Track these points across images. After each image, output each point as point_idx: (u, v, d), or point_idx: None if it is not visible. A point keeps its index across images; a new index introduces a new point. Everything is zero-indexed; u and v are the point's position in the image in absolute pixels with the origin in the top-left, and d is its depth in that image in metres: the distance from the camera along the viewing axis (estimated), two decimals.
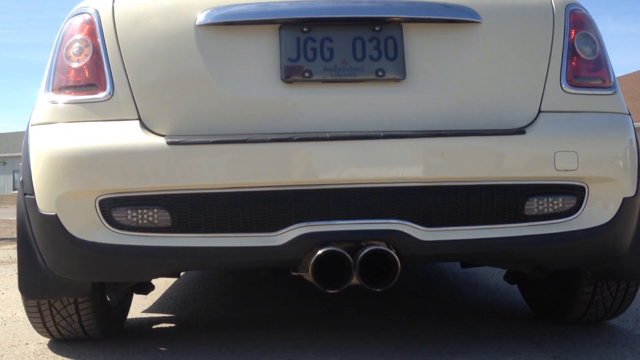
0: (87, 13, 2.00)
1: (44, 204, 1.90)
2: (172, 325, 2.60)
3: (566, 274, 2.30)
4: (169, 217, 1.85)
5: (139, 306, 2.92)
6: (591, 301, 2.29)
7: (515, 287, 2.75)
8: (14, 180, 43.52)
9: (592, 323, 2.40)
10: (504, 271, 2.58)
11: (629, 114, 2.11)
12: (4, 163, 43.73)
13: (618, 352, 2.05)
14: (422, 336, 2.24)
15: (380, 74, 1.94)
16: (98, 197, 1.86)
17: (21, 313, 2.81)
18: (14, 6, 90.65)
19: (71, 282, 2.00)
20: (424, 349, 2.08)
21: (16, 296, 3.26)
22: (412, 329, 2.36)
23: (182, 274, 2.69)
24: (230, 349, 2.15)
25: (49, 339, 2.29)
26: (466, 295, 3.17)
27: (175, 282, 3.56)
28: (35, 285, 2.03)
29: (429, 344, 2.14)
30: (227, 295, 3.33)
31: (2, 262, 4.97)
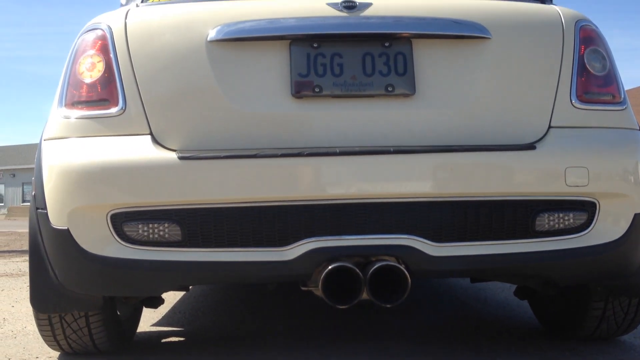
0: (99, 29, 2.01)
1: (56, 218, 1.90)
2: (181, 339, 2.62)
3: (577, 289, 2.27)
4: (179, 232, 1.84)
5: (148, 320, 2.91)
6: (602, 317, 2.25)
7: (526, 302, 2.73)
8: (23, 192, 43.75)
9: (603, 339, 2.37)
10: (513, 286, 2.55)
11: (639, 129, 2.09)
12: (14, 175, 43.98)
13: None
14: (432, 352, 2.25)
15: (389, 89, 1.92)
16: (110, 211, 1.85)
17: (31, 326, 2.81)
18: (25, 19, 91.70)
19: (82, 296, 1.99)
20: None
21: (26, 309, 3.26)
22: (422, 345, 2.35)
23: (190, 287, 2.80)
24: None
25: (59, 353, 2.30)
26: (476, 311, 3.16)
27: (184, 295, 3.56)
28: (46, 298, 2.02)
29: None
30: (235, 309, 3.36)
31: (12, 274, 4.98)
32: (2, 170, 44.60)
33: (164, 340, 2.57)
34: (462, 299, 3.49)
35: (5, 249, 8.04)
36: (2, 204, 42.52)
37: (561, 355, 2.18)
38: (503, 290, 3.58)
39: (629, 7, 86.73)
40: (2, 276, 4.83)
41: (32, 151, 49.78)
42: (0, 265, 5.68)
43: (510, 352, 2.21)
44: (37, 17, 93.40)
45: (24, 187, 43.73)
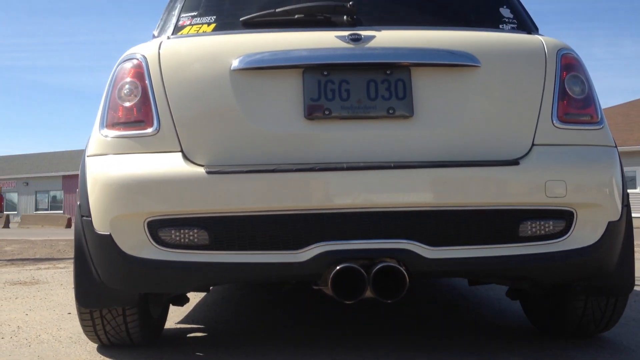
0: (136, 59, 2.27)
1: (100, 225, 2.16)
2: (203, 334, 2.89)
3: (560, 290, 2.47)
4: (207, 237, 2.08)
5: (173, 318, 3.19)
6: (583, 315, 2.47)
7: (518, 302, 2.97)
8: (36, 200, 44.03)
9: (587, 336, 2.58)
10: (506, 288, 2.78)
11: (616, 147, 2.33)
12: (27, 184, 44.27)
13: None
14: (432, 347, 2.40)
15: (391, 111, 2.16)
16: (146, 219, 2.10)
17: (46, 335, 2.81)
18: (38, 30, 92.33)
19: (121, 293, 2.26)
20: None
21: (40, 317, 3.27)
22: (424, 342, 2.53)
23: (210, 289, 2.98)
24: (255, 352, 2.46)
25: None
26: (473, 311, 3.42)
27: (205, 297, 3.90)
28: (89, 295, 2.30)
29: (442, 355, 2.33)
30: (249, 310, 3.58)
31: (26, 282, 4.99)
32: (15, 178, 44.89)
33: (188, 335, 2.86)
34: (461, 301, 3.79)
35: (19, 257, 8.07)
36: (16, 212, 42.77)
37: (546, 350, 2.42)
38: (496, 293, 3.87)
39: None
40: (15, 284, 4.85)
41: (44, 160, 50.27)
42: (14, 273, 5.71)
43: (502, 348, 2.46)
44: (50, 27, 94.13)
45: (37, 195, 44.02)
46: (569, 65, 2.30)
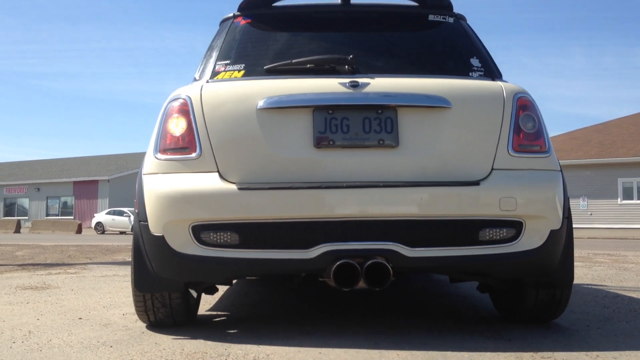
0: (182, 99, 2.87)
1: (154, 228, 2.75)
2: (226, 319, 3.57)
3: (517, 285, 3.03)
4: (237, 238, 2.68)
5: (203, 307, 3.87)
6: (535, 305, 3.04)
7: (487, 295, 3.69)
8: (47, 206, 44.28)
9: (541, 322, 3.15)
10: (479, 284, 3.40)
11: (560, 170, 2.89)
12: (38, 189, 44.54)
13: (562, 344, 2.68)
14: (420, 334, 2.67)
15: (381, 142, 2.75)
16: (191, 224, 2.70)
17: (57, 340, 2.82)
18: (49, 36, 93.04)
19: (169, 281, 2.86)
20: (417, 338, 2.58)
21: (51, 322, 3.28)
22: (412, 329, 2.78)
23: (234, 282, 3.74)
24: (276, 330, 3.10)
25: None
26: (452, 303, 4.16)
27: (227, 290, 4.68)
28: (144, 282, 2.89)
29: (423, 336, 2.74)
30: (266, 297, 3.96)
31: (37, 287, 5.01)
32: (26, 184, 45.19)
33: (217, 320, 3.48)
34: (444, 295, 4.56)
35: (30, 262, 8.12)
36: (27, 218, 43.04)
37: (511, 333, 3.04)
38: (472, 289, 4.56)
39: None
40: (27, 289, 4.87)
41: (55, 166, 50.59)
42: (25, 278, 5.74)
43: (475, 330, 3.08)
44: (61, 34, 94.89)
45: (48, 201, 44.27)
46: (523, 106, 2.87)
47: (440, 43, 3.30)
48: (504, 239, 2.71)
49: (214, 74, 3.06)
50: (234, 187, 2.69)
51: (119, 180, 41.75)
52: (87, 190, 42.37)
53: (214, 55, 3.15)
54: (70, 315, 3.54)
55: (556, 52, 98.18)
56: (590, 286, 4.98)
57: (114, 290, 4.75)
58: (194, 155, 2.78)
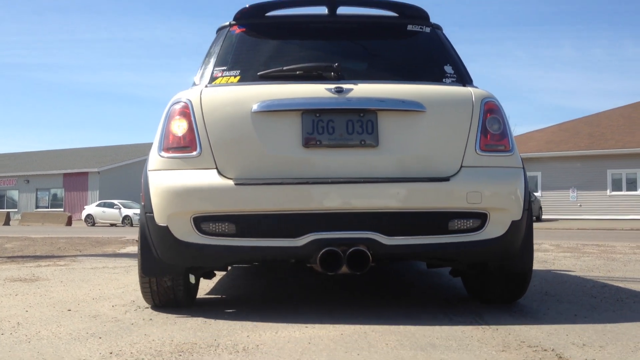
0: (183, 102, 3.14)
1: (159, 219, 3.05)
2: (222, 300, 4.04)
3: (484, 269, 3.35)
4: (234, 228, 2.98)
5: (201, 291, 4.19)
6: (500, 286, 3.39)
7: (459, 278, 4.12)
8: (37, 198, 44.04)
9: (506, 302, 3.48)
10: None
11: (523, 167, 3.19)
12: (27, 181, 44.27)
13: (524, 319, 2.96)
14: (399, 313, 2.82)
15: (362, 142, 3.04)
16: (192, 215, 2.99)
17: (45, 331, 2.81)
18: (38, 27, 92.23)
19: (172, 266, 3.16)
20: (404, 315, 2.76)
21: (40, 314, 3.27)
22: (393, 308, 2.97)
23: (229, 269, 4.22)
24: (267, 309, 3.51)
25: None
26: (430, 285, 4.76)
27: (223, 276, 5.02)
28: (150, 267, 3.19)
29: (411, 312, 2.90)
30: (257, 282, 4.19)
31: (26, 279, 4.99)
32: (16, 176, 44.90)
33: (216, 301, 3.94)
34: (423, 277, 5.17)
35: (19, 254, 8.08)
36: (16, 210, 42.79)
37: (482, 311, 3.44)
38: (445, 274, 5.06)
39: None
40: (15, 281, 4.85)
41: (45, 157, 50.27)
42: (14, 270, 5.71)
43: (449, 307, 3.55)
44: (50, 25, 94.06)
45: (38, 193, 44.03)
46: (490, 110, 3.16)
47: (417, 51, 3.61)
48: (471, 228, 3.04)
49: (212, 79, 3.34)
50: (231, 182, 2.98)
51: (109, 172, 41.57)
52: (77, 182, 42.15)
53: (212, 61, 3.43)
54: (59, 307, 3.54)
55: (546, 44, 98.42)
56: (578, 276, 5.02)
57: (104, 282, 4.74)
58: (194, 153, 3.06)
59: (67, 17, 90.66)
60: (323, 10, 3.60)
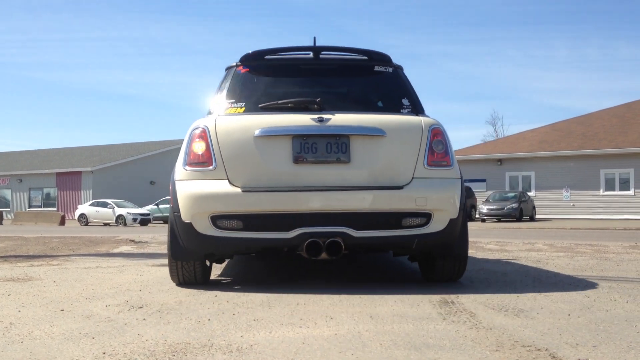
0: (201, 128, 4.09)
1: (185, 217, 3.99)
2: (230, 281, 4.99)
3: (431, 257, 4.34)
4: (241, 224, 3.92)
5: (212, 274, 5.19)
6: (443, 270, 4.37)
7: (416, 263, 5.34)
8: (29, 197, 43.86)
9: (449, 281, 4.46)
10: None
11: (460, 178, 4.15)
12: (20, 180, 44.08)
13: (518, 318, 2.91)
14: (365, 284, 3.49)
15: (338, 159, 3.99)
16: (209, 214, 3.93)
17: (38, 331, 2.80)
18: (31, 26, 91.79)
19: (194, 253, 4.14)
20: (360, 288, 3.46)
21: (32, 314, 3.26)
22: (365, 284, 3.72)
23: (234, 257, 5.11)
24: (267, 284, 4.58)
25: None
26: (395, 269, 5.87)
27: (228, 262, 6.16)
28: (177, 254, 4.17)
29: (371, 287, 4.01)
30: (258, 266, 4.80)
31: (18, 279, 4.97)
32: (9, 175, 44.69)
33: (225, 281, 4.90)
34: (389, 263, 6.33)
35: (12, 253, 8.04)
36: (9, 209, 42.60)
37: (430, 286, 4.40)
38: (405, 261, 6.27)
39: (636, 18, 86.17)
40: (8, 281, 4.82)
41: (38, 157, 50.03)
42: (6, 270, 5.68)
43: (406, 286, 4.48)
44: (42, 23, 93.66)
45: (31, 192, 43.84)
46: (435, 134, 4.11)
47: (381, 87, 4.60)
48: (419, 224, 3.99)
49: (224, 109, 4.29)
50: (239, 190, 3.93)
51: (102, 171, 41.44)
52: (70, 181, 42.00)
53: (224, 95, 4.39)
54: (52, 307, 3.52)
55: (539, 45, 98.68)
56: (571, 276, 5.04)
57: (97, 282, 4.72)
58: (211, 167, 4.00)
59: (58, 16, 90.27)
60: (309, 54, 4.58)
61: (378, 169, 3.98)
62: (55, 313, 3.30)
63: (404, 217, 3.95)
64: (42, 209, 41.27)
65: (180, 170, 4.06)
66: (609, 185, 30.07)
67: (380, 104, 4.50)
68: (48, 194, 43.41)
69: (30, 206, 43.09)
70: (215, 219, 3.91)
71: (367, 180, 3.96)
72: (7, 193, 45.11)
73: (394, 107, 4.36)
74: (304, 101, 4.20)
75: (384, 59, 4.58)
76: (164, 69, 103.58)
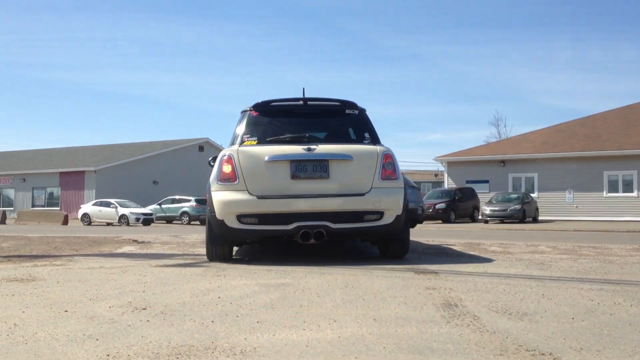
0: (228, 154, 6.10)
1: (218, 216, 6.01)
2: (247, 258, 6.74)
3: (384, 241, 6.53)
4: (256, 220, 5.99)
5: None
6: (393, 250, 6.53)
7: (376, 247, 7.20)
8: (33, 197, 43.91)
9: (398, 259, 6.43)
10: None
11: (404, 187, 6.25)
12: (24, 180, 44.14)
13: (522, 322, 2.77)
14: (339, 260, 6.14)
15: (321, 176, 6.06)
16: (235, 214, 5.98)
17: (42, 333, 2.80)
18: (34, 26, 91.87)
19: (224, 240, 6.19)
20: (337, 263, 5.54)
21: (36, 315, 3.26)
22: (340, 260, 6.13)
23: (246, 242, 7.27)
24: (274, 260, 6.55)
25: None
26: (361, 250, 8.10)
27: (243, 247, 8.29)
28: (213, 240, 6.25)
29: (343, 261, 6.14)
30: (266, 250, 6.14)
31: (22, 279, 4.97)
32: (12, 175, 44.75)
33: (241, 259, 6.84)
34: (357, 247, 8.72)
35: (15, 253, 8.05)
36: (12, 209, 42.67)
37: (383, 261, 6.67)
38: (369, 246, 8.37)
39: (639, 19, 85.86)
40: (12, 281, 4.83)
41: (42, 156, 50.06)
42: (10, 270, 5.69)
43: (369, 262, 6.46)
44: (45, 24, 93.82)
45: (34, 191, 43.90)
46: (386, 157, 6.12)
47: (350, 125, 6.75)
48: (375, 219, 6.03)
49: (242, 141, 6.35)
50: (255, 197, 5.96)
51: (105, 171, 41.47)
52: (73, 181, 42.04)
53: (242, 132, 6.46)
54: (56, 307, 3.52)
55: (543, 46, 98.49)
56: (575, 279, 5.03)
57: (100, 283, 4.72)
58: (235, 182, 6.01)
59: (62, 16, 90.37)
60: (300, 102, 6.72)
61: (348, 182, 6.05)
62: (59, 314, 3.31)
63: (365, 214, 6.02)
64: (45, 208, 41.30)
65: (214, 184, 6.09)
66: (612, 187, 30.00)
67: (349, 137, 6.62)
68: (51, 194, 43.45)
69: (33, 205, 43.14)
70: (239, 217, 5.96)
71: (340, 190, 6.03)
72: (11, 192, 45.16)
73: (358, 139, 6.50)
74: (297, 136, 6.39)
75: (352, 105, 6.71)
76: (167, 69, 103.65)
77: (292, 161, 5.96)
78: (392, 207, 5.98)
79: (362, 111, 6.62)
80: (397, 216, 6.00)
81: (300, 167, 5.96)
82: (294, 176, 5.95)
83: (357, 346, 2.54)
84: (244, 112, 6.59)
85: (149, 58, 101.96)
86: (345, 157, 5.99)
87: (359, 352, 2.44)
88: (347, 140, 6.44)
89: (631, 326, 2.96)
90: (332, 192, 5.92)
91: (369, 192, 5.95)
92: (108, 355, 2.37)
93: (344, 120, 6.67)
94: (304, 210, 5.86)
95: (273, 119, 6.60)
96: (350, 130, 6.61)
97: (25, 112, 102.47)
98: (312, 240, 5.90)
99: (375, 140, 6.38)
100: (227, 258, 6.28)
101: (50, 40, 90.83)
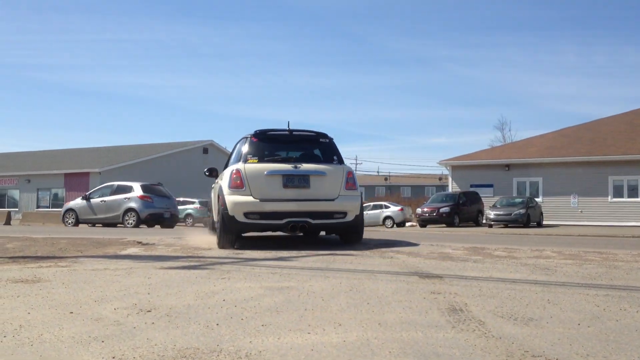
0: (236, 168, 8.86)
1: (230, 213, 8.65)
2: (249, 245, 9.54)
3: (346, 233, 9.54)
4: (259, 216, 8.71)
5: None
6: (351, 239, 9.52)
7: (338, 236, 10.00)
8: (38, 198, 44.01)
9: (354, 244, 9.42)
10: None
11: (361, 195, 9.40)
12: (29, 181, 44.25)
13: (527, 327, 2.73)
14: (319, 247, 7.72)
15: (304, 186, 8.88)
16: (243, 211, 8.66)
17: (48, 334, 2.80)
18: (40, 27, 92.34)
19: (233, 230, 8.80)
20: (315, 250, 6.69)
21: (42, 316, 3.27)
22: (321, 246, 8.82)
23: (250, 233, 9.91)
24: (271, 247, 8.97)
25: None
26: (332, 239, 11.22)
27: (245, 236, 10.63)
28: (225, 230, 8.76)
29: (320, 250, 7.19)
30: (264, 240, 9.12)
31: (27, 280, 4.98)
32: (17, 176, 44.87)
33: (241, 249, 8.26)
34: (332, 239, 11.30)
35: (20, 254, 8.07)
36: (17, 210, 42.75)
37: (346, 247, 9.45)
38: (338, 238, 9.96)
39: None
40: (17, 282, 4.84)
41: (46, 157, 50.24)
42: (15, 271, 5.70)
43: (336, 245, 9.43)
44: (52, 25, 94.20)
45: (39, 192, 44.00)
46: (348, 173, 9.14)
47: (323, 150, 9.33)
48: (341, 217, 8.79)
49: (246, 160, 8.88)
50: (258, 200, 8.55)
51: (110, 172, 41.51)
52: (78, 182, 42.11)
53: (244, 152, 9.05)
54: (61, 309, 3.53)
55: (547, 50, 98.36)
56: (580, 284, 5.01)
57: (105, 284, 4.73)
58: (243, 189, 8.57)
59: (67, 18, 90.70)
60: (287, 132, 9.33)
61: (322, 191, 8.70)
62: (65, 315, 3.31)
63: (334, 214, 8.70)
64: (50, 209, 41.38)
65: (226, 189, 8.62)
66: (617, 192, 29.92)
67: (322, 158, 9.20)
68: (56, 195, 43.52)
69: (38, 206, 43.23)
70: (246, 214, 8.47)
71: (317, 196, 8.66)
72: (16, 193, 45.27)
73: (329, 160, 9.14)
74: (287, 157, 9.15)
75: (324, 135, 9.48)
76: (172, 71, 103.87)
77: (283, 175, 8.68)
78: (353, 209, 8.86)
79: (331, 140, 9.55)
80: (356, 216, 8.90)
81: (290, 180, 8.68)
82: (285, 186, 8.65)
83: (363, 350, 2.54)
84: (245, 137, 9.37)
85: (155, 60, 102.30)
86: (321, 173, 8.83)
87: (364, 357, 2.44)
88: (321, 161, 9.21)
89: (637, 332, 2.94)
90: (312, 197, 8.67)
91: (337, 198, 8.77)
92: (113, 358, 2.37)
93: (319, 146, 9.51)
94: (292, 210, 8.54)
95: (268, 144, 9.34)
96: (323, 154, 9.38)
97: (30, 114, 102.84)
98: (298, 232, 8.95)
99: (340, 160, 9.30)
100: (232, 244, 8.79)
101: (55, 42, 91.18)
